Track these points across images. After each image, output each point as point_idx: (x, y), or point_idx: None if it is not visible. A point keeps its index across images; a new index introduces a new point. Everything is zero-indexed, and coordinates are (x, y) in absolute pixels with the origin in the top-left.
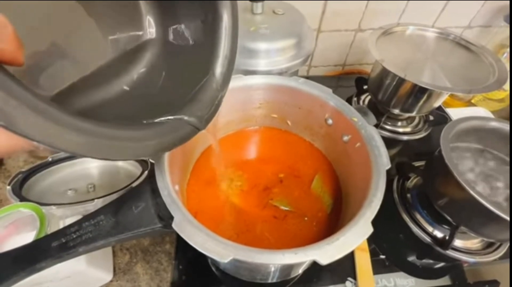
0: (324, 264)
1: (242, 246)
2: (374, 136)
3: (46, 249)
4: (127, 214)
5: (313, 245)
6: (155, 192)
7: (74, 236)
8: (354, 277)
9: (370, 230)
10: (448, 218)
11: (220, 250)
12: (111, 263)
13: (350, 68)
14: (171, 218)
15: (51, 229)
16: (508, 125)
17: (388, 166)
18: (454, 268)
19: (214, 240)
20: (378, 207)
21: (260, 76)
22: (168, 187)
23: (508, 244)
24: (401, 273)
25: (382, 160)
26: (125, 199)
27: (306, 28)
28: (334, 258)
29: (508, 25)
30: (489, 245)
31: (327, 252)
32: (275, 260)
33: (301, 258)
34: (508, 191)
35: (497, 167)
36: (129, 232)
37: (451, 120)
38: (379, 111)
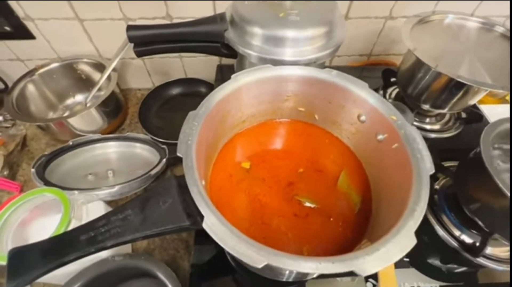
0: (364, 275)
1: (275, 251)
2: (416, 138)
3: (75, 243)
4: (155, 210)
5: (350, 255)
6: (182, 187)
7: (103, 230)
8: (376, 279)
9: (413, 242)
10: (481, 224)
11: (252, 254)
12: (130, 248)
13: (376, 59)
14: (199, 215)
15: (75, 213)
16: None
17: (432, 171)
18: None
19: (246, 243)
20: (421, 216)
21: (290, 66)
22: (197, 183)
23: None
24: (425, 277)
25: (425, 165)
26: (152, 194)
27: (338, 15)
28: (374, 270)
29: None
30: None
31: (366, 263)
32: (310, 268)
33: (339, 268)
34: None
35: None
36: (157, 228)
37: (486, 118)
38: (407, 106)
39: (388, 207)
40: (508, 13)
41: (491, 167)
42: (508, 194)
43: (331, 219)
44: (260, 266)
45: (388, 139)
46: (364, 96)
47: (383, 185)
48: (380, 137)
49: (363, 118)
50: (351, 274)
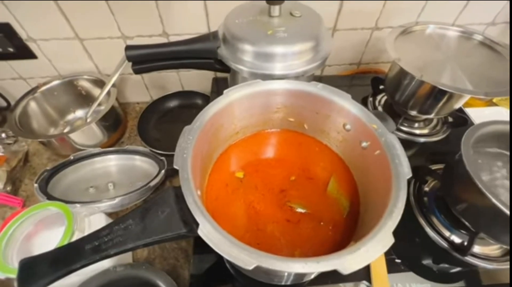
0: (345, 274)
1: (265, 254)
2: (395, 144)
3: (81, 252)
4: (154, 219)
5: (334, 255)
6: (179, 197)
7: (106, 239)
8: (369, 281)
9: (391, 241)
10: (467, 224)
11: (244, 257)
12: (130, 258)
13: (365, 67)
14: (195, 223)
15: (78, 226)
16: None
17: (409, 175)
18: (469, 270)
19: (239, 247)
20: (399, 217)
21: (278, 81)
22: (193, 193)
23: None
24: (417, 278)
25: (403, 169)
26: (151, 205)
27: (324, 30)
28: (355, 268)
29: None
30: (508, 251)
31: (348, 262)
32: (297, 268)
33: (323, 267)
34: None
35: None
36: (156, 236)
37: (471, 121)
38: (396, 113)
39: (373, 209)
40: (488, 20)
41: (472, 170)
42: (487, 194)
43: (322, 223)
44: (251, 267)
45: (371, 146)
46: (347, 107)
47: (369, 189)
48: (364, 144)
49: (348, 127)
50: (354, 279)
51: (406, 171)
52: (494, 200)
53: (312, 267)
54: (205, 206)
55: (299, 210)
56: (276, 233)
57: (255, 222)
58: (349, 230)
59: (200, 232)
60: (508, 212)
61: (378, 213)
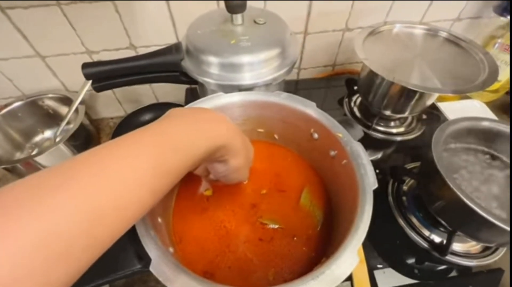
0: None
1: (219, 286)
2: (360, 153)
3: None
4: (105, 257)
5: (298, 281)
6: (134, 227)
7: None
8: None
9: (356, 260)
10: (444, 223)
11: None
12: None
13: (340, 68)
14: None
15: None
16: (501, 124)
17: (375, 186)
18: None
19: (194, 281)
20: (365, 233)
21: (241, 93)
22: (147, 225)
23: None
24: (405, 278)
25: (369, 179)
26: None
27: (289, 35)
28: None
29: (498, 16)
30: (488, 247)
31: None
32: None
33: None
34: (503, 194)
35: (491, 167)
36: (107, 277)
37: (445, 117)
38: (371, 113)
39: (344, 221)
40: (454, 16)
41: (443, 170)
42: (458, 192)
43: (295, 238)
44: None
45: (339, 156)
46: (313, 115)
47: (340, 200)
48: (332, 153)
49: (315, 136)
50: None
51: (371, 181)
52: (467, 202)
53: None
54: (173, 230)
55: (272, 226)
56: (249, 254)
57: (226, 244)
58: (324, 244)
59: (152, 267)
60: (479, 211)
61: (347, 227)
